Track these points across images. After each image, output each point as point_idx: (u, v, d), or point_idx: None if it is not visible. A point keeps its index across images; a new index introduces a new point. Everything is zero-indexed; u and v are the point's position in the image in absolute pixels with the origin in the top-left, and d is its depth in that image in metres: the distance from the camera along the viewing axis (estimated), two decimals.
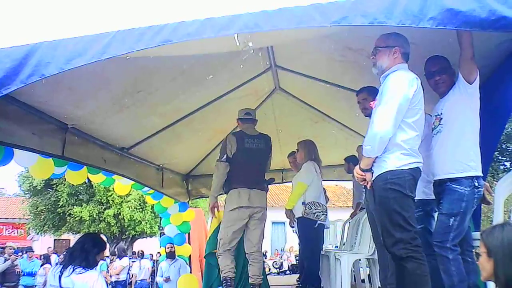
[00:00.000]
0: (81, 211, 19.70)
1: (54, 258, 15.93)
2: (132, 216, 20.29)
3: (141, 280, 13.75)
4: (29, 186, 20.63)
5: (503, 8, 2.46)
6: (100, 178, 6.37)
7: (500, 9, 2.45)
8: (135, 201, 20.30)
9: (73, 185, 19.54)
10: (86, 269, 3.77)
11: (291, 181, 6.52)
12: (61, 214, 20.43)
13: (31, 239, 28.00)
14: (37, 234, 23.66)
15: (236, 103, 5.67)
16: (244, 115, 5.48)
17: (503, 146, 16.55)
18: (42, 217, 21.20)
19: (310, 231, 5.70)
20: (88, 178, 6.27)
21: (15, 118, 3.90)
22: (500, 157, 16.87)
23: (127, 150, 6.05)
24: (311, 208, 5.66)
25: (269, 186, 6.01)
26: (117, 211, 20.22)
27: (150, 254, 19.34)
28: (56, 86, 3.70)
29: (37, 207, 20.96)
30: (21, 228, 28.14)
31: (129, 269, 13.89)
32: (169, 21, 2.85)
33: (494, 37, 3.25)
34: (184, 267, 9.30)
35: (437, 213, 3.69)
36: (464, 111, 3.50)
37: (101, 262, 12.91)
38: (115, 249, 15.50)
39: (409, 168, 3.24)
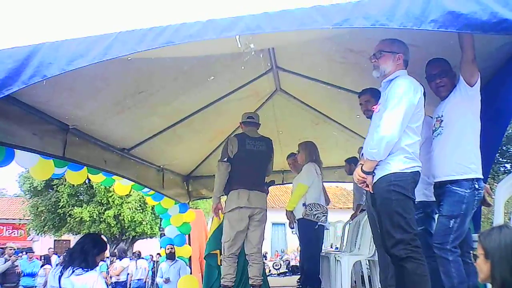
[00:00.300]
0: (82, 212, 19.68)
1: (54, 258, 15.92)
2: (132, 217, 20.28)
3: (138, 279, 13.73)
4: (30, 187, 20.63)
5: (504, 10, 2.46)
6: (100, 178, 6.38)
7: (501, 11, 2.45)
8: (135, 202, 20.30)
9: (73, 185, 19.55)
10: (86, 270, 3.76)
11: (291, 183, 6.54)
12: (62, 214, 20.41)
13: (31, 240, 27.99)
14: (38, 234, 23.64)
15: (237, 104, 5.68)
16: (247, 119, 5.54)
17: (504, 148, 16.53)
18: (43, 217, 21.16)
19: (311, 232, 5.71)
20: (88, 178, 6.28)
21: (16, 119, 3.90)
22: (500, 159, 16.84)
23: (128, 151, 6.05)
24: (312, 209, 5.67)
25: (269, 188, 6.02)
26: (118, 212, 20.20)
27: (150, 255, 19.31)
28: (58, 87, 3.71)
29: (38, 208, 20.92)
30: (22, 229, 28.09)
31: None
32: (171, 22, 2.86)
33: (495, 39, 3.25)
34: (184, 268, 9.31)
35: (437, 215, 3.69)
36: (465, 114, 3.51)
37: (101, 263, 12.90)
38: (115, 250, 15.48)
39: (411, 172, 3.27)
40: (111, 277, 13.42)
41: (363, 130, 3.89)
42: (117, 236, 21.54)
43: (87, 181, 18.99)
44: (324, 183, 6.43)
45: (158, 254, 16.12)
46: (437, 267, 3.41)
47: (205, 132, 6.49)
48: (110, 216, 20.01)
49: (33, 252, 14.12)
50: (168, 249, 9.32)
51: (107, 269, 14.76)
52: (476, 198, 3.43)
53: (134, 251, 19.26)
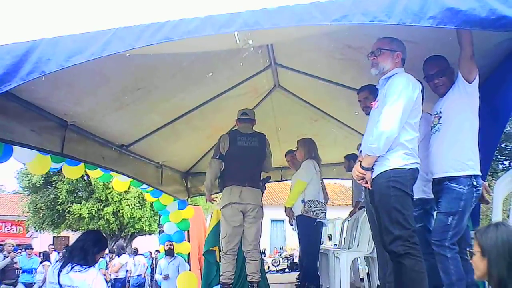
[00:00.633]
0: (80, 209, 19.66)
1: (54, 255, 15.91)
2: (131, 214, 20.27)
3: (137, 275, 13.76)
4: (28, 183, 20.58)
5: (503, 7, 2.46)
6: (98, 173, 6.38)
7: (500, 8, 2.46)
8: (134, 199, 20.28)
9: (72, 182, 19.55)
10: (85, 267, 3.75)
11: (290, 179, 6.53)
12: (60, 211, 20.40)
13: (30, 236, 27.99)
14: (36, 231, 23.61)
15: (235, 101, 5.68)
16: (241, 115, 5.56)
17: (502, 145, 16.55)
18: (41, 214, 21.15)
19: (309, 229, 5.71)
20: (87, 174, 6.28)
21: (15, 115, 3.89)
22: (499, 156, 16.87)
23: (126, 147, 6.04)
24: (311, 206, 5.67)
25: (268, 184, 6.03)
26: (116, 208, 20.19)
27: (149, 252, 19.33)
28: (56, 83, 3.70)
29: (36, 204, 20.90)
30: (20, 225, 28.11)
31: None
32: (169, 18, 2.85)
33: (494, 36, 3.24)
34: (183, 265, 9.31)
35: (436, 211, 3.70)
36: (463, 110, 3.51)
37: (100, 259, 12.92)
38: (114, 247, 15.51)
39: (410, 168, 3.29)
40: (110, 274, 13.44)
41: (362, 127, 3.90)
42: (116, 233, 21.54)
43: (86, 178, 19.08)
44: (323, 180, 6.43)
45: (157, 250, 16.15)
46: (436, 264, 3.42)
47: (204, 128, 6.49)
48: (109, 213, 19.99)
49: (32, 249, 14.10)
50: (167, 245, 9.33)
51: (106, 265, 14.77)
52: (474, 195, 3.44)
53: (133, 247, 19.32)
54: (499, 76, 3.85)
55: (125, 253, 14.34)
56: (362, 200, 5.90)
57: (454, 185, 3.44)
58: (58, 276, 3.72)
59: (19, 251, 13.57)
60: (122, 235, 21.82)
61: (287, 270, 13.32)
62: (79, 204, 19.91)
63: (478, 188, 3.45)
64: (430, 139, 3.70)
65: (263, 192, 5.59)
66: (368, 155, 3.34)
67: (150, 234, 22.92)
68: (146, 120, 5.61)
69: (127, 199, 20.17)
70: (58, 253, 16.90)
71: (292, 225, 6.52)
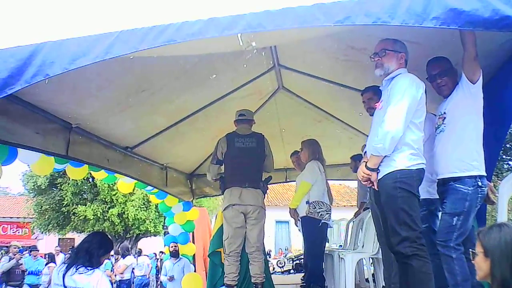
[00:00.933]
0: (86, 210, 19.71)
1: (61, 257, 15.94)
2: (136, 215, 20.31)
3: (141, 276, 13.77)
4: (34, 185, 20.63)
5: (506, 7, 2.46)
6: (103, 174, 6.39)
7: (503, 8, 2.45)
8: (139, 200, 20.33)
9: (77, 184, 19.60)
10: (90, 268, 3.76)
11: (294, 180, 6.53)
12: (66, 213, 20.46)
13: (36, 238, 28.05)
14: (42, 233, 23.68)
15: (239, 103, 5.68)
16: (239, 116, 5.57)
17: (508, 145, 16.45)
18: (47, 216, 21.20)
19: (314, 230, 5.71)
20: (92, 176, 6.30)
21: (19, 118, 3.91)
22: (504, 156, 16.77)
23: (131, 149, 6.06)
24: (315, 207, 5.67)
25: (273, 185, 6.03)
26: (122, 210, 20.23)
27: (154, 253, 19.36)
28: (60, 85, 3.70)
29: (42, 206, 20.96)
30: (26, 227, 28.17)
31: (133, 268, 13.92)
32: (173, 21, 2.85)
33: (497, 36, 3.23)
34: (188, 266, 9.31)
35: (441, 212, 3.69)
36: (467, 111, 3.51)
37: (105, 261, 12.95)
38: (119, 248, 15.55)
39: (416, 169, 3.29)
40: (115, 276, 13.46)
41: (366, 128, 3.90)
42: (121, 234, 21.57)
43: (91, 180, 19.13)
44: (328, 181, 6.41)
45: (161, 252, 16.17)
46: (441, 265, 3.41)
47: (208, 130, 6.49)
48: (114, 215, 20.03)
49: (38, 250, 14.15)
50: (172, 247, 9.32)
51: (112, 267, 14.80)
52: (479, 195, 3.43)
53: (137, 249, 19.36)
54: (503, 76, 3.84)
55: (130, 255, 14.36)
56: (367, 201, 5.88)
57: (459, 185, 3.43)
58: (63, 277, 3.73)
59: (25, 252, 13.62)
60: (127, 236, 21.85)
61: (292, 271, 13.28)
62: (84, 206, 19.95)
63: (483, 188, 3.44)
64: (435, 139, 3.70)
65: (264, 193, 5.57)
66: (374, 156, 3.34)
67: (155, 235, 22.95)
68: (150, 122, 5.62)
69: (132, 200, 20.22)
70: (64, 254, 16.95)
71: (298, 226, 6.51)
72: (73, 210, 20.07)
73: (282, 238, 30.47)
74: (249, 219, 5.31)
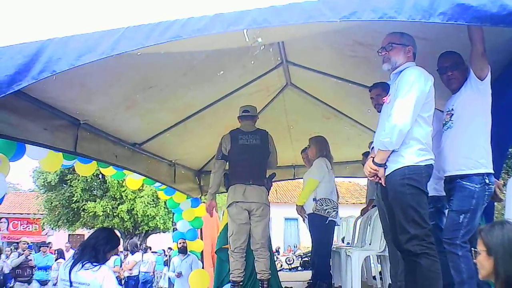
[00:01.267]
0: (95, 207, 19.82)
1: (71, 253, 16.00)
2: (145, 212, 20.40)
3: (144, 272, 13.83)
4: (44, 182, 20.76)
5: None
6: (111, 171, 6.43)
7: (511, 3, 2.42)
8: (148, 197, 20.41)
9: (87, 180, 19.71)
10: (95, 264, 3.76)
11: (302, 177, 6.51)
12: (75, 209, 20.56)
13: (46, 234, 28.25)
14: (52, 229, 23.84)
15: (247, 99, 5.68)
16: (242, 113, 5.57)
17: None
18: (57, 212, 21.33)
19: (321, 227, 5.70)
20: (101, 172, 6.32)
21: (27, 114, 3.93)
22: None
23: (139, 145, 6.08)
24: (322, 204, 5.65)
25: (281, 182, 6.03)
26: (131, 206, 20.33)
27: (163, 250, 19.43)
28: (68, 82, 3.72)
29: (52, 202, 21.08)
30: (36, 223, 28.33)
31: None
32: (178, 17, 2.85)
33: (505, 32, 3.19)
34: (196, 263, 9.33)
35: (447, 209, 3.66)
36: (475, 108, 3.47)
37: (115, 257, 13.02)
38: (128, 245, 15.63)
39: (425, 165, 3.25)
40: (124, 272, 13.51)
41: (375, 124, 3.86)
42: (131, 231, 21.67)
43: (100, 176, 19.22)
44: (335, 179, 6.39)
45: (170, 248, 16.22)
46: (447, 262, 3.39)
47: (216, 127, 6.48)
48: (123, 211, 20.13)
49: (47, 246, 14.23)
50: (180, 243, 9.34)
51: (121, 263, 14.87)
52: (487, 193, 3.40)
53: (145, 245, 19.44)
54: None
55: (138, 251, 14.41)
56: (375, 197, 5.86)
57: (466, 183, 3.40)
58: (70, 273, 3.74)
59: (37, 248, 13.70)
60: (136, 233, 21.94)
61: (299, 268, 13.28)
62: (93, 202, 20.07)
63: (490, 186, 3.41)
64: (442, 136, 3.66)
65: (268, 190, 5.57)
66: (381, 150, 3.31)
67: (164, 232, 23.01)
68: (158, 118, 5.63)
69: (141, 197, 20.29)
70: (74, 250, 16.98)
71: (306, 223, 6.50)
72: (83, 207, 20.19)
73: (291, 235, 30.49)
74: (253, 216, 5.31)
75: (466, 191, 3.38)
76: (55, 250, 15.09)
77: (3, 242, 26.51)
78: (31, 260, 12.18)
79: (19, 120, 3.84)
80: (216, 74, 4.82)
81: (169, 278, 10.57)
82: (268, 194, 5.55)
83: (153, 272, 14.67)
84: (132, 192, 19.83)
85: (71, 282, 3.72)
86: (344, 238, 9.64)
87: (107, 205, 20.08)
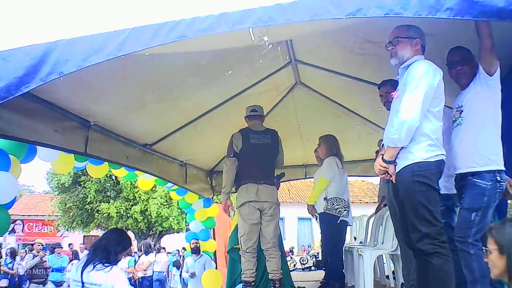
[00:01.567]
0: (109, 208, 19.96)
1: (85, 254, 16.09)
2: (159, 212, 20.50)
3: (158, 271, 13.89)
4: (58, 183, 20.95)
5: None
6: (123, 172, 6.47)
7: None
8: (161, 198, 20.50)
9: (100, 181, 19.83)
10: (107, 265, 3.77)
11: (313, 177, 6.48)
12: (89, 210, 20.74)
13: (61, 236, 28.45)
14: (67, 230, 24.02)
15: (256, 99, 5.67)
16: (251, 112, 5.54)
17: None
18: (71, 213, 21.51)
19: (332, 226, 5.67)
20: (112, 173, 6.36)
21: (38, 116, 3.97)
22: None
23: (150, 146, 6.11)
24: (333, 203, 5.62)
25: (294, 182, 6.02)
26: (144, 207, 20.44)
27: (177, 250, 19.50)
28: (77, 83, 3.75)
29: (66, 204, 21.25)
30: (51, 225, 28.53)
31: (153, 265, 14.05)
32: (184, 17, 2.85)
33: None
34: (209, 263, 9.36)
35: (458, 208, 3.63)
36: (485, 104, 3.43)
37: (128, 258, 13.09)
38: (141, 245, 15.73)
39: (435, 161, 3.19)
40: (138, 272, 13.57)
41: (385, 122, 3.84)
42: (144, 232, 21.79)
43: (113, 177, 19.34)
44: (347, 178, 6.35)
45: (183, 248, 16.28)
46: (458, 261, 3.35)
47: (226, 126, 6.47)
48: (137, 212, 20.26)
49: (61, 248, 14.33)
50: (193, 243, 9.38)
51: (135, 264, 14.95)
52: (498, 190, 3.35)
53: (159, 246, 19.52)
54: None
55: (152, 252, 14.48)
56: (386, 195, 5.81)
57: (478, 180, 3.36)
58: (81, 274, 3.76)
59: (52, 249, 13.81)
60: (150, 233, 22.06)
61: (312, 268, 13.23)
62: (107, 204, 20.22)
63: (501, 183, 3.36)
64: (452, 133, 3.62)
65: (277, 189, 5.57)
66: (390, 147, 3.26)
67: (178, 232, 23.08)
68: (168, 119, 5.65)
69: (155, 198, 20.39)
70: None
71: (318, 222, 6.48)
72: (97, 208, 20.35)
73: (304, 235, 30.43)
74: (264, 215, 5.28)
75: (478, 188, 3.34)
76: (71, 251, 15.21)
77: (18, 244, 26.70)
78: (45, 261, 12.28)
79: (30, 122, 3.88)
80: (224, 73, 4.82)
81: (182, 279, 10.60)
82: (277, 194, 5.53)
83: (167, 272, 14.73)
84: (145, 193, 19.95)
85: (83, 283, 3.74)
86: (355, 237, 9.59)
87: (121, 206, 20.22)
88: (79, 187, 20.87)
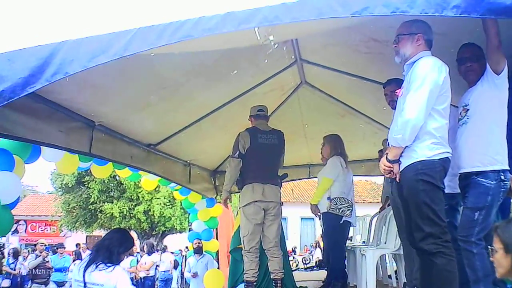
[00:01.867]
0: (112, 208, 19.96)
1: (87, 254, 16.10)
2: (162, 213, 20.50)
3: (163, 271, 13.90)
4: (61, 184, 20.96)
5: None
6: (127, 172, 6.46)
7: None
8: (164, 198, 20.51)
9: (104, 182, 19.83)
10: (109, 265, 3.77)
11: (317, 177, 6.47)
12: (93, 210, 20.73)
13: (64, 236, 28.49)
14: (70, 230, 24.04)
15: (261, 98, 5.67)
16: (257, 112, 5.54)
17: None
18: (74, 214, 21.50)
19: (335, 226, 5.65)
20: (116, 173, 6.35)
21: (42, 116, 3.97)
22: None
23: (154, 146, 6.11)
24: (336, 203, 5.60)
25: (297, 181, 6.03)
26: (147, 207, 20.44)
27: (180, 250, 19.50)
28: (82, 84, 3.75)
29: (69, 204, 21.24)
30: (54, 225, 28.56)
31: (157, 265, 14.05)
32: (189, 16, 2.85)
33: None
34: (211, 263, 9.36)
35: (462, 207, 3.61)
36: (491, 103, 3.40)
37: (131, 258, 13.10)
38: (144, 245, 15.76)
39: (439, 159, 3.16)
40: (140, 272, 13.57)
41: (390, 122, 3.82)
42: (147, 232, 21.80)
43: (117, 178, 19.34)
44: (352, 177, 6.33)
45: (186, 247, 16.30)
46: (462, 260, 3.33)
47: (231, 126, 6.47)
48: (140, 212, 20.25)
49: (64, 248, 14.34)
50: (196, 243, 9.38)
51: (137, 263, 14.96)
52: (502, 189, 3.34)
53: (163, 246, 19.53)
54: None
55: (155, 252, 14.48)
56: (390, 195, 5.79)
57: (482, 179, 3.35)
58: (84, 274, 3.76)
59: (55, 249, 13.83)
60: (153, 233, 22.06)
61: (315, 267, 13.21)
62: (110, 204, 20.21)
63: (506, 182, 3.34)
64: (457, 132, 3.60)
65: (280, 189, 5.57)
66: (394, 147, 3.24)
67: (180, 232, 23.07)
68: (173, 119, 5.65)
69: (158, 198, 20.40)
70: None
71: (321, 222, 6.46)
72: (100, 208, 20.35)
73: (307, 235, 30.39)
74: (268, 215, 5.28)
75: (482, 187, 3.33)
76: (73, 251, 15.22)
77: (21, 244, 26.78)
78: (48, 261, 12.29)
79: (34, 122, 3.88)
80: (229, 73, 4.81)
81: (185, 278, 10.59)
82: (280, 194, 5.55)
83: (172, 271, 14.75)
84: (148, 193, 19.94)
85: (85, 283, 3.74)
86: (353, 236, 9.57)
87: (124, 206, 20.21)
88: (82, 187, 20.86)
